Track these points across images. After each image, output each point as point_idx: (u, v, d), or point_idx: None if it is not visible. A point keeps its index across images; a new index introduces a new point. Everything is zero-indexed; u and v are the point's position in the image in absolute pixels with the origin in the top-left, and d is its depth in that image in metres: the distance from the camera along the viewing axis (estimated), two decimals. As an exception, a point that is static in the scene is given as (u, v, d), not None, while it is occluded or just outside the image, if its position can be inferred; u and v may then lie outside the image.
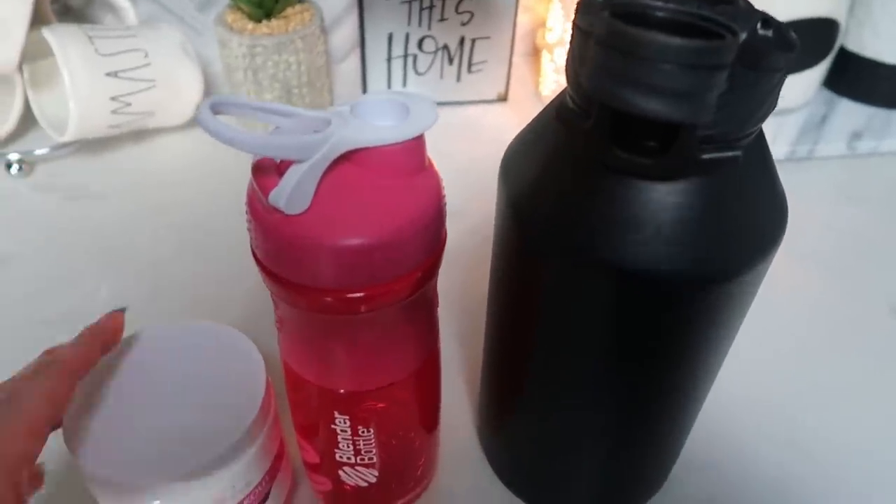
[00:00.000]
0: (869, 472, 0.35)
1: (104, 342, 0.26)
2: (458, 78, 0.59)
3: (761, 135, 0.22)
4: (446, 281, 0.27)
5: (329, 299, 0.22)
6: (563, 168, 0.22)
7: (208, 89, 0.57)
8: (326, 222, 0.21)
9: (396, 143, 0.21)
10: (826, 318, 0.44)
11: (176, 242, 0.47)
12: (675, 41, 0.16)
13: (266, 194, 0.21)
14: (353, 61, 0.63)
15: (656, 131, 0.19)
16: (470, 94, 0.61)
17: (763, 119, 0.20)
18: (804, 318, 0.43)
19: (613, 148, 0.20)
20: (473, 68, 0.59)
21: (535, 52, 0.67)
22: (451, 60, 0.58)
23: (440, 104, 0.61)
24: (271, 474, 0.28)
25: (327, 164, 0.21)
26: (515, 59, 0.60)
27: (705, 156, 0.19)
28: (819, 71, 0.56)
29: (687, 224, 0.21)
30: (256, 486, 0.27)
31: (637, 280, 0.21)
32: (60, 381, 0.23)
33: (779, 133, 0.55)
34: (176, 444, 0.25)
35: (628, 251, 0.21)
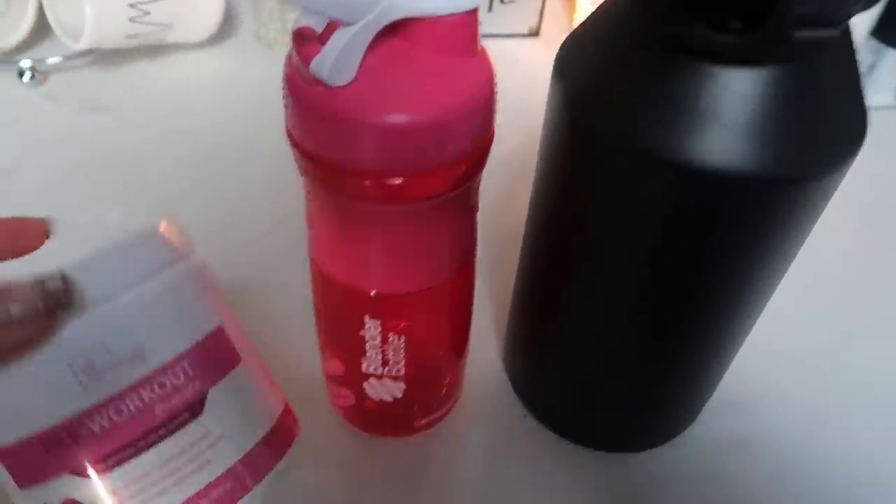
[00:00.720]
0: (906, 420, 0.34)
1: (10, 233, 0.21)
2: (490, 8, 0.57)
3: (848, 30, 0.20)
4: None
5: (368, 184, 0.20)
6: (630, 53, 0.20)
7: (229, 7, 0.55)
8: (371, 96, 0.19)
9: (450, 16, 0.20)
10: (868, 265, 0.42)
11: (189, 162, 0.45)
12: None
13: (307, 63, 0.19)
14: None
15: (747, 5, 0.17)
16: (501, 26, 0.58)
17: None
18: (847, 264, 0.42)
19: (695, 24, 0.18)
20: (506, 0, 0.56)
21: (569, -13, 0.64)
22: (483, -12, 0.56)
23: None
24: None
25: (376, 29, 0.19)
26: (550, -9, 0.58)
27: (800, 34, 0.17)
28: (866, 20, 0.54)
29: (768, 116, 0.19)
30: None
31: (708, 179, 0.19)
32: None
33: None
34: None
35: (701, 146, 0.19)
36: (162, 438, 0.19)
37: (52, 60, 0.50)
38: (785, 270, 0.25)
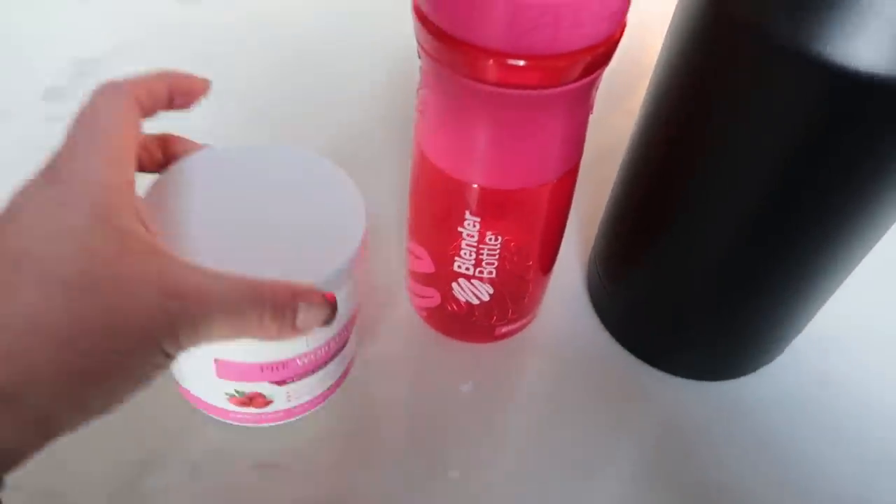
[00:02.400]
0: None
1: (173, 84, 0.24)
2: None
3: None
4: None
5: (490, 62, 0.20)
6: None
7: None
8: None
9: None
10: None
11: (282, 60, 0.45)
12: None
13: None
14: None
15: None
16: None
17: None
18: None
19: None
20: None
21: None
22: None
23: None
24: (353, 320, 0.26)
25: None
26: None
27: None
28: None
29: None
30: (341, 331, 0.25)
31: (857, 82, 0.18)
32: (129, 107, 0.21)
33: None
34: (276, 259, 0.22)
35: (851, 46, 0.18)
36: (327, 364, 0.26)
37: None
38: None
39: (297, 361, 0.25)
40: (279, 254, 0.22)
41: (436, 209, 0.26)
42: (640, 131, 0.27)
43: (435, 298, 0.30)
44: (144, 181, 0.23)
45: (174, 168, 0.24)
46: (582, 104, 0.23)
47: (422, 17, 0.21)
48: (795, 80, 0.19)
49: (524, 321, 0.32)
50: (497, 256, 0.26)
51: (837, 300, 0.30)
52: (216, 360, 0.24)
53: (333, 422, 0.29)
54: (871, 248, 0.26)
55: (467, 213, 0.25)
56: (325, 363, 0.26)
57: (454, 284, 0.28)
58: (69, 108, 0.41)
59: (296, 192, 0.24)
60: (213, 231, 0.23)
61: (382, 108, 0.42)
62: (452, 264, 0.27)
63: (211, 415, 0.27)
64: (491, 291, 0.28)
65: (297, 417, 0.27)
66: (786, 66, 0.19)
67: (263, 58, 0.45)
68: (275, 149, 0.26)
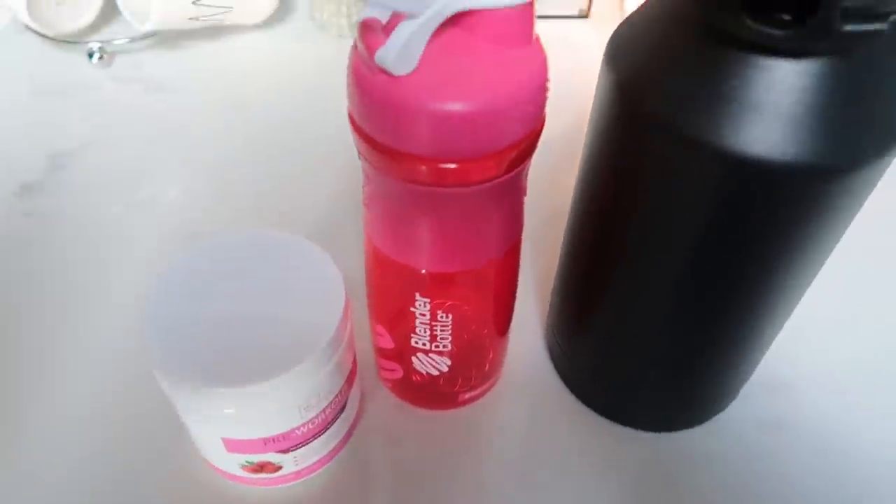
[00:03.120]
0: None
1: None
2: (540, -10, 0.57)
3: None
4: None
5: (423, 168, 0.22)
6: (681, 45, 0.21)
7: (285, -11, 0.57)
8: (431, 85, 0.20)
9: (507, 8, 0.20)
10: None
11: (249, 140, 0.47)
12: None
13: (372, 53, 0.20)
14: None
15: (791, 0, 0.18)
16: (550, 7, 0.58)
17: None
18: (891, 249, 0.42)
19: (744, 16, 0.18)
20: (557, -20, 0.57)
21: (620, -31, 0.64)
22: (534, -30, 0.56)
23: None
24: (348, 384, 0.29)
25: (439, 22, 0.20)
26: (601, -28, 0.58)
27: (847, 27, 0.18)
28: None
29: (814, 108, 0.19)
30: (337, 395, 0.28)
31: (753, 167, 0.20)
32: None
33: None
34: (263, 350, 0.25)
35: (746, 136, 0.20)
36: (327, 429, 0.28)
37: (118, 41, 0.53)
38: (827, 256, 0.25)
39: (297, 431, 0.27)
40: (269, 337, 0.25)
41: (388, 291, 0.28)
42: (573, 207, 0.29)
43: (398, 371, 0.31)
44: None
45: (168, 271, 0.27)
46: (514, 190, 0.25)
47: (356, 126, 0.22)
48: (699, 168, 0.21)
49: (487, 385, 0.33)
50: (450, 331, 0.28)
51: (784, 344, 0.31)
52: (223, 439, 0.26)
53: (341, 476, 0.31)
54: (797, 299, 0.27)
55: (417, 294, 0.26)
56: (325, 428, 0.28)
57: (413, 358, 0.30)
58: (45, 204, 0.43)
59: (278, 275, 0.27)
60: (206, 326, 0.26)
61: (353, 184, 0.44)
62: (410, 340, 0.29)
63: (230, 481, 0.29)
64: (449, 363, 0.30)
65: (307, 477, 0.30)
66: (690, 155, 0.21)
67: (234, 140, 0.47)
68: (253, 235, 0.29)
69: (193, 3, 0.49)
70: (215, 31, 0.55)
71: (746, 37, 0.19)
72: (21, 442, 0.31)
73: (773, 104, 0.19)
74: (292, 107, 0.49)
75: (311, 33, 0.56)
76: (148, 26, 0.49)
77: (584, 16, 0.59)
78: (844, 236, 0.24)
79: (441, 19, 0.20)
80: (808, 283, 0.27)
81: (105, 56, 0.52)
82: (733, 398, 0.33)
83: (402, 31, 0.20)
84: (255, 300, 0.27)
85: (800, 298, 0.27)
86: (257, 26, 0.56)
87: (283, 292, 0.27)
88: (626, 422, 0.33)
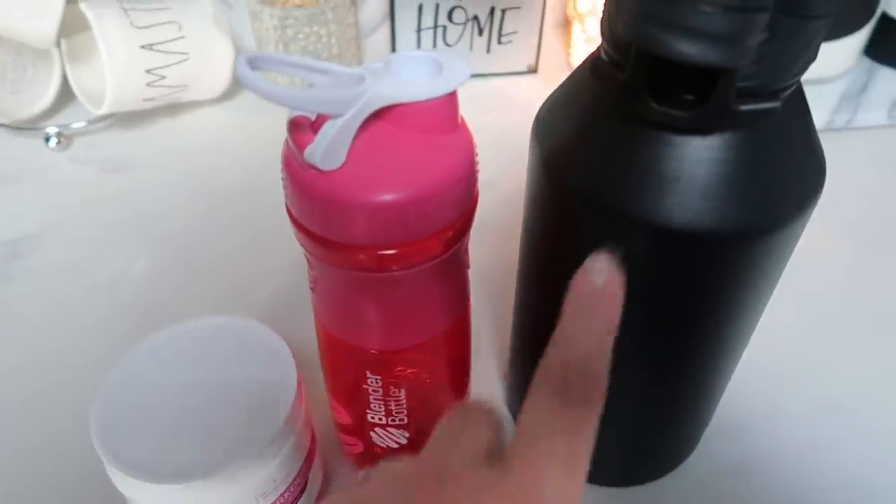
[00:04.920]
0: (906, 442, 0.35)
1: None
2: (488, 49, 0.59)
3: (800, 89, 0.21)
4: (478, 252, 0.27)
5: (362, 256, 0.22)
6: (597, 124, 0.22)
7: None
8: (360, 179, 0.21)
9: (430, 100, 0.21)
10: (862, 286, 0.43)
11: (210, 215, 0.48)
12: (715, -16, 0.15)
13: (301, 150, 0.21)
14: (384, 33, 0.62)
15: (693, 83, 0.19)
16: (500, 65, 0.60)
17: (803, 71, 0.20)
18: (840, 286, 0.43)
19: (649, 100, 0.19)
20: (503, 39, 0.59)
21: (565, 23, 0.66)
22: (480, 31, 0.58)
23: (470, 76, 0.60)
24: (307, 464, 0.29)
25: (362, 119, 0.21)
26: (546, 29, 0.60)
27: (743, 107, 0.19)
28: (859, 38, 0.55)
29: (723, 178, 0.20)
30: (295, 478, 0.28)
31: (672, 236, 0.21)
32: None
33: (818, 101, 0.54)
34: (211, 443, 0.25)
35: (663, 207, 0.21)
36: None
37: (76, 125, 0.53)
38: (762, 307, 0.26)
39: None
40: (222, 426, 0.26)
41: (340, 370, 0.28)
42: (518, 272, 0.30)
43: (359, 446, 0.31)
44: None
45: (119, 365, 0.27)
46: (456, 265, 0.26)
47: (293, 218, 0.23)
48: (623, 238, 0.22)
49: (451, 451, 0.33)
50: (405, 405, 0.28)
51: (739, 391, 0.32)
52: None
53: None
54: (741, 349, 0.28)
55: (368, 372, 0.27)
56: None
57: (371, 433, 0.30)
58: (3, 292, 0.43)
59: (231, 362, 0.28)
60: (158, 418, 0.26)
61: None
62: (366, 416, 0.29)
63: None
64: (408, 435, 0.30)
65: None
66: (613, 227, 0.22)
67: (193, 218, 0.47)
68: (206, 322, 0.29)
69: (148, 84, 0.50)
70: (172, 108, 0.56)
71: (654, 118, 0.20)
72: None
73: (685, 176, 0.20)
74: (251, 178, 0.50)
75: (266, 105, 0.57)
76: (103, 110, 0.50)
77: (532, 71, 0.61)
78: (784, 274, 0.25)
79: (364, 116, 0.21)
80: (751, 331, 0.27)
81: (62, 140, 0.52)
82: (693, 449, 0.33)
83: (328, 130, 0.21)
84: (208, 389, 0.27)
85: (744, 348, 0.28)
86: (214, 100, 0.57)
87: (236, 379, 0.27)
88: (591, 479, 0.33)
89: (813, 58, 0.19)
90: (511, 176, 0.43)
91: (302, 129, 0.22)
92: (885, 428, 0.35)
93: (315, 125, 0.22)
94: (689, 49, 0.16)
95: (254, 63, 0.20)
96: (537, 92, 0.59)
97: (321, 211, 0.22)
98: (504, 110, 0.57)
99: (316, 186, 0.21)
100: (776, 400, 0.36)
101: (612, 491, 0.33)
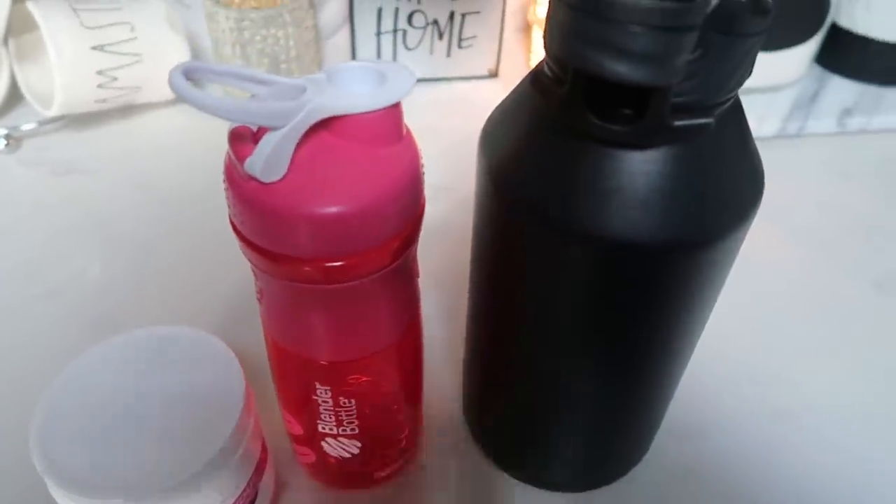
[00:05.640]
0: (853, 443, 0.36)
1: None
2: (448, 53, 0.59)
3: (737, 103, 0.22)
4: (433, 257, 0.27)
5: (307, 269, 0.22)
6: (539, 136, 0.22)
7: (196, 64, 0.57)
8: (302, 190, 0.21)
9: (372, 111, 0.21)
10: (812, 293, 0.44)
11: (163, 219, 0.47)
12: (643, 2, 0.16)
13: (242, 162, 0.21)
14: (343, 36, 0.62)
15: (630, 98, 0.19)
16: (460, 69, 0.60)
17: (737, 87, 0.20)
18: (790, 293, 0.44)
19: (588, 115, 0.20)
20: (464, 44, 0.59)
21: (526, 28, 0.66)
22: (440, 35, 0.58)
23: (430, 80, 0.60)
24: (257, 475, 0.28)
25: (303, 131, 0.21)
26: (506, 34, 0.60)
27: (678, 123, 0.19)
28: (810, 47, 0.56)
29: (661, 191, 0.21)
30: (245, 490, 0.27)
31: (614, 247, 0.21)
32: None
33: (769, 109, 0.55)
34: (156, 456, 0.24)
35: (604, 219, 0.21)
36: None
37: (25, 127, 0.52)
38: (706, 316, 0.26)
39: None
40: (167, 440, 0.25)
41: (289, 381, 0.28)
42: (469, 283, 0.30)
43: (311, 455, 0.31)
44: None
45: (59, 380, 0.27)
46: (405, 274, 0.26)
47: (236, 230, 0.23)
48: (566, 250, 0.22)
49: (405, 459, 0.33)
50: (356, 415, 0.28)
51: (687, 394, 0.33)
52: None
53: None
54: (688, 355, 0.28)
55: (317, 383, 0.27)
56: None
57: (323, 443, 0.30)
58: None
59: (176, 373, 0.27)
60: (100, 433, 0.25)
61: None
62: (317, 426, 0.29)
63: None
64: (360, 444, 0.30)
65: None
66: (555, 239, 0.22)
67: (144, 222, 0.47)
68: (151, 331, 0.29)
69: (99, 86, 0.49)
70: (125, 111, 0.55)
71: (592, 133, 0.20)
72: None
73: (626, 189, 0.21)
74: (204, 184, 0.49)
75: (224, 106, 0.56)
76: (53, 111, 0.49)
77: (493, 75, 0.61)
78: (732, 280, 0.26)
79: (305, 128, 0.21)
80: (695, 340, 0.28)
81: (11, 141, 0.51)
82: (644, 453, 0.34)
83: (269, 140, 0.20)
84: (154, 400, 0.26)
85: (690, 354, 0.29)
86: (168, 102, 0.56)
87: (183, 390, 0.27)
88: (544, 485, 0.33)
89: (748, 74, 0.20)
90: (470, 180, 0.42)
91: (243, 139, 0.21)
92: (833, 430, 0.36)
93: (256, 136, 0.21)
94: (619, 68, 0.16)
95: (190, 73, 0.20)
96: (498, 96, 0.59)
97: (263, 223, 0.21)
98: (465, 114, 0.57)
99: (257, 198, 0.21)
100: (726, 403, 0.37)
101: (566, 496, 0.33)
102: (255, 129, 0.22)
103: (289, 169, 0.21)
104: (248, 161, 0.21)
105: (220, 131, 0.55)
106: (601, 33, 0.16)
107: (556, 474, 0.33)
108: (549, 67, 0.21)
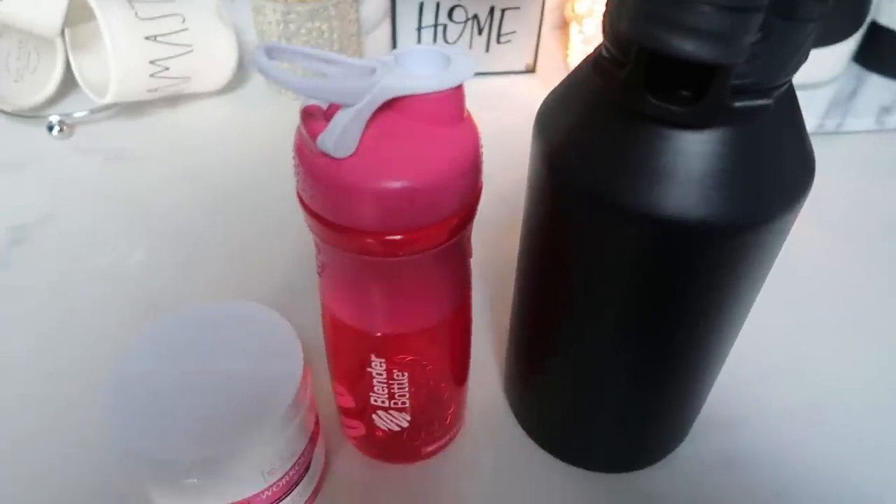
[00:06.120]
0: (890, 438, 0.36)
1: None
2: (487, 48, 0.60)
3: (791, 88, 0.23)
4: (474, 248, 0.28)
5: (370, 241, 0.23)
6: (597, 119, 0.23)
7: (242, 57, 0.58)
8: (371, 166, 0.22)
9: (438, 92, 0.22)
10: (849, 288, 0.44)
11: (209, 207, 0.48)
12: (714, -15, 0.16)
13: (314, 138, 0.22)
14: (384, 30, 0.63)
15: (690, 79, 0.20)
16: (498, 64, 0.61)
17: (794, 70, 0.21)
18: (828, 287, 0.44)
19: (648, 95, 0.20)
20: (502, 39, 0.60)
21: (563, 24, 0.67)
22: (480, 31, 0.59)
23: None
24: (312, 443, 0.30)
25: (373, 109, 0.22)
26: (544, 30, 0.61)
27: (737, 103, 0.20)
28: (849, 45, 0.56)
29: (716, 172, 0.21)
30: (300, 457, 0.29)
31: (668, 227, 0.22)
32: None
33: (808, 106, 0.55)
34: (223, 419, 0.26)
35: (659, 199, 0.22)
36: (292, 490, 0.29)
37: (78, 114, 0.54)
38: (752, 300, 0.27)
39: (262, 496, 0.28)
40: (229, 405, 0.26)
41: (344, 353, 0.29)
42: (518, 265, 0.31)
43: (360, 428, 0.32)
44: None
45: (128, 348, 0.28)
46: (459, 253, 0.27)
47: (304, 204, 0.24)
48: (620, 231, 0.23)
49: (450, 436, 0.34)
50: (407, 388, 0.29)
51: (729, 383, 0.33)
52: None
53: None
54: (732, 340, 0.29)
55: (372, 355, 0.28)
56: (290, 490, 0.29)
57: (374, 416, 0.31)
58: (5, 278, 0.43)
59: (238, 344, 0.29)
60: (166, 398, 0.27)
61: (312, 247, 0.45)
62: (369, 399, 0.30)
63: None
64: (409, 418, 0.31)
65: None
66: (610, 220, 0.23)
67: (194, 207, 0.48)
68: (212, 306, 0.30)
69: (151, 75, 0.50)
70: (174, 99, 0.57)
71: (651, 114, 0.21)
72: (-15, 523, 0.31)
73: (682, 170, 0.21)
74: (252, 170, 0.51)
75: (268, 97, 0.58)
76: (107, 100, 0.50)
77: (530, 71, 0.62)
78: (772, 275, 0.26)
79: (375, 106, 0.22)
80: (741, 325, 0.28)
81: (65, 128, 0.53)
82: (683, 437, 0.34)
83: (341, 119, 0.21)
84: (216, 370, 0.28)
85: (733, 340, 0.29)
86: (216, 92, 0.58)
87: (243, 360, 0.28)
88: (584, 465, 0.34)
89: (804, 59, 0.21)
90: (508, 174, 0.44)
91: (314, 117, 0.23)
92: (873, 424, 0.36)
93: (327, 114, 0.23)
94: (687, 46, 0.17)
95: (271, 53, 0.21)
96: (535, 91, 0.60)
97: (332, 197, 0.23)
98: (502, 109, 0.58)
99: (327, 173, 0.22)
100: (766, 395, 0.37)
101: (603, 476, 0.34)
102: (325, 107, 0.23)
103: (358, 145, 0.22)
104: (320, 137, 0.22)
105: (264, 123, 0.57)
106: (671, 12, 0.17)
107: (595, 455, 0.34)
108: (608, 50, 0.22)
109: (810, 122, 0.54)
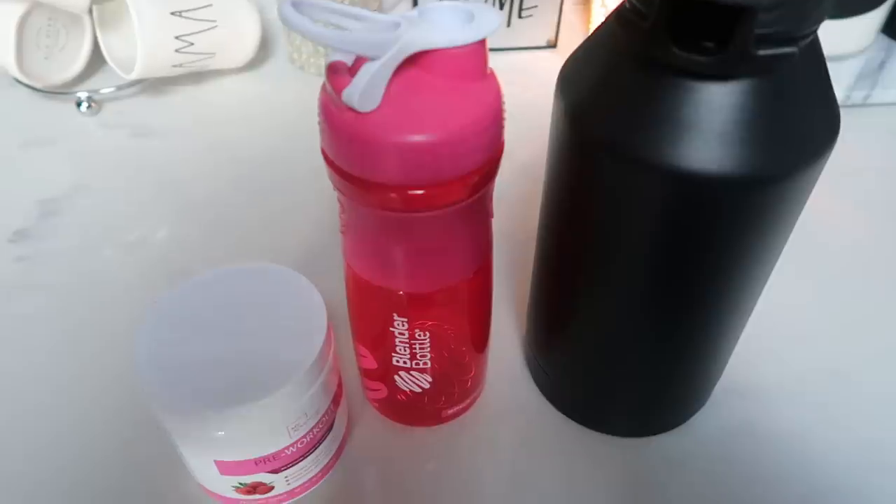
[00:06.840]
0: (912, 404, 0.36)
1: None
2: (509, 23, 0.60)
3: (817, 43, 0.22)
4: (496, 218, 0.28)
5: (393, 196, 0.23)
6: (620, 72, 0.23)
7: (265, 34, 0.59)
8: (395, 120, 0.22)
9: (462, 46, 0.23)
10: (873, 259, 0.44)
11: (234, 179, 0.49)
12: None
13: (339, 93, 0.22)
14: (405, 5, 0.63)
15: (714, 28, 0.20)
16: (520, 39, 0.61)
17: (818, 22, 0.20)
18: (852, 258, 0.44)
19: (672, 46, 0.20)
20: (524, 13, 0.59)
21: (585, 0, 0.67)
22: (501, 5, 0.59)
23: (490, 50, 0.61)
24: (335, 403, 0.30)
25: (398, 63, 0.22)
26: (566, 5, 0.61)
27: (761, 52, 0.20)
28: (878, 16, 0.55)
29: (740, 123, 0.21)
30: (324, 415, 0.29)
31: (690, 180, 0.22)
32: None
33: (835, 78, 0.54)
34: (250, 374, 0.26)
35: (682, 151, 0.22)
36: (316, 448, 0.30)
37: (105, 90, 0.55)
38: (774, 260, 0.27)
39: (287, 451, 0.28)
40: (256, 361, 0.27)
41: (368, 313, 0.30)
42: (539, 227, 0.31)
43: (382, 391, 0.33)
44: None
45: (158, 304, 0.29)
46: (481, 212, 0.27)
47: (328, 160, 0.24)
48: (643, 185, 0.23)
49: (470, 400, 0.35)
50: (429, 349, 0.29)
51: (749, 350, 0.33)
52: (216, 461, 0.28)
53: (332, 495, 0.32)
54: (753, 301, 0.29)
55: (395, 315, 0.28)
56: (314, 447, 0.30)
57: (396, 377, 0.31)
58: (36, 249, 0.44)
59: (264, 304, 0.29)
60: (196, 354, 0.27)
61: (333, 214, 0.45)
62: (391, 359, 0.30)
63: None
64: (430, 380, 0.31)
65: (300, 496, 0.31)
66: (633, 174, 0.23)
67: (219, 180, 0.49)
68: (239, 268, 0.31)
69: (177, 51, 0.51)
70: (199, 76, 0.57)
71: (675, 64, 0.21)
72: (14, 466, 0.32)
73: (705, 122, 0.21)
74: (274, 144, 0.51)
75: (290, 74, 0.59)
76: (134, 75, 0.51)
77: (552, 46, 0.62)
78: (798, 244, 0.26)
79: (399, 60, 0.22)
80: (762, 285, 0.28)
81: (93, 105, 0.54)
82: (703, 403, 0.34)
83: (365, 72, 0.22)
84: (243, 328, 0.28)
85: (755, 301, 0.29)
86: (239, 69, 0.58)
87: (269, 320, 0.29)
88: (602, 429, 0.34)
89: (829, 9, 0.20)
90: (528, 147, 0.44)
91: (340, 73, 0.23)
92: (892, 394, 0.36)
93: (352, 70, 0.23)
94: (712, -13, 0.17)
95: (298, 6, 0.21)
96: (556, 66, 0.59)
97: (357, 151, 0.23)
98: (523, 84, 0.58)
99: (352, 127, 0.22)
100: (786, 363, 0.37)
101: (622, 440, 0.34)
102: (350, 63, 0.23)
103: (382, 100, 0.22)
104: (345, 91, 0.22)
105: (287, 98, 0.57)
106: (696, -47, 0.17)
107: (615, 419, 0.34)
108: (631, 3, 0.22)
109: (838, 93, 0.53)
